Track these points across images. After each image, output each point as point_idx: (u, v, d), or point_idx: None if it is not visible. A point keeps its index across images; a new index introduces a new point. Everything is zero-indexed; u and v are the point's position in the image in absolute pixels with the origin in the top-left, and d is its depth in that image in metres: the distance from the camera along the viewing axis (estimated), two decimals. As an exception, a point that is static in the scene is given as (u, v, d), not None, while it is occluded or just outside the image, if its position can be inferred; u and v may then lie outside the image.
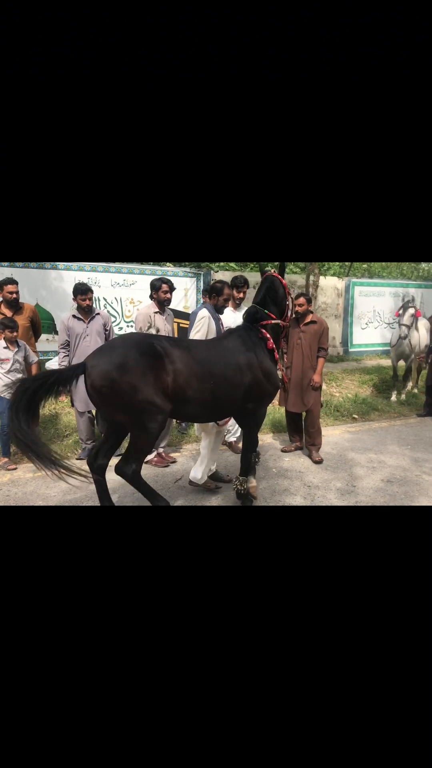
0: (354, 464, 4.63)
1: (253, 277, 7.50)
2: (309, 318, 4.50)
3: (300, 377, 4.57)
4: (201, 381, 2.97)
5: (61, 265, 6.75)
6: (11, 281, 4.44)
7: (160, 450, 4.53)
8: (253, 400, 3.27)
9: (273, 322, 3.34)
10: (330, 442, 5.36)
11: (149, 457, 4.37)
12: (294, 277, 9.04)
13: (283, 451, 4.92)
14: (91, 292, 4.44)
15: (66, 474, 2.62)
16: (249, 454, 3.46)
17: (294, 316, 3.42)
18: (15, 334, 4.25)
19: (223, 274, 8.57)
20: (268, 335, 3.31)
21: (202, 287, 7.83)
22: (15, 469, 4.33)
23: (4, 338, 4.22)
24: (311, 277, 7.56)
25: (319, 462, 4.58)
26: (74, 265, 6.87)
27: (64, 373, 2.77)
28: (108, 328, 4.56)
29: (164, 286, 4.33)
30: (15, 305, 4.44)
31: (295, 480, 4.19)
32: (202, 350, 3.12)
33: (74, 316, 4.43)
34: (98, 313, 4.52)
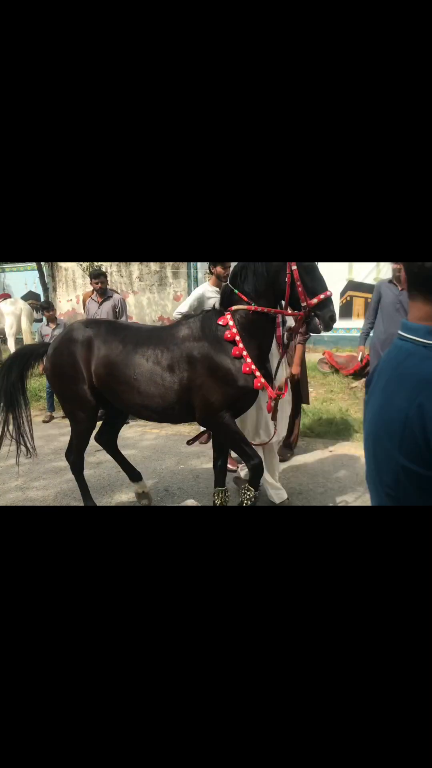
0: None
1: None
2: None
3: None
4: (125, 369, 2.62)
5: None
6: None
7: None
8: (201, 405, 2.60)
9: (243, 307, 2.49)
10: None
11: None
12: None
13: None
14: (104, 276, 5.06)
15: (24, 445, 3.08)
16: (251, 473, 2.77)
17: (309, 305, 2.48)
18: (52, 313, 5.42)
19: None
20: (232, 323, 2.49)
21: None
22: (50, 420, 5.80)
23: (46, 317, 5.44)
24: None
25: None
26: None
27: (42, 348, 3.10)
28: (117, 310, 5.01)
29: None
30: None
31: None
32: (141, 337, 2.69)
33: (92, 298, 5.11)
34: (110, 297, 5.07)
